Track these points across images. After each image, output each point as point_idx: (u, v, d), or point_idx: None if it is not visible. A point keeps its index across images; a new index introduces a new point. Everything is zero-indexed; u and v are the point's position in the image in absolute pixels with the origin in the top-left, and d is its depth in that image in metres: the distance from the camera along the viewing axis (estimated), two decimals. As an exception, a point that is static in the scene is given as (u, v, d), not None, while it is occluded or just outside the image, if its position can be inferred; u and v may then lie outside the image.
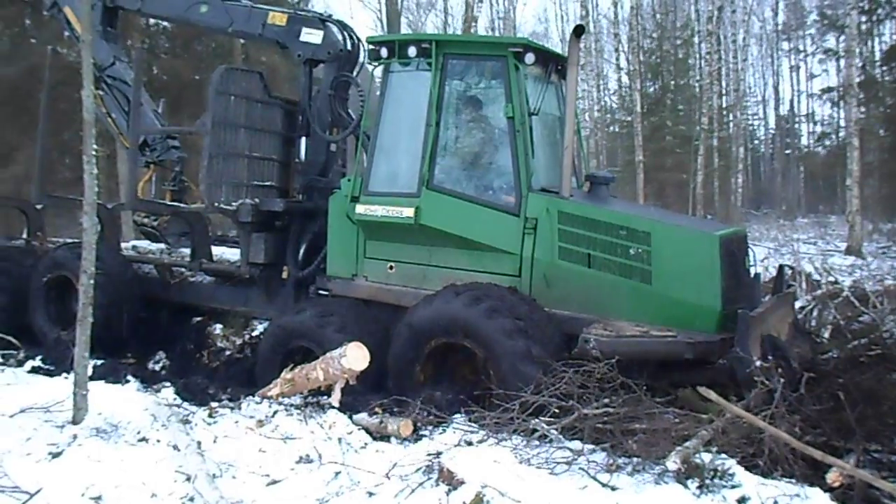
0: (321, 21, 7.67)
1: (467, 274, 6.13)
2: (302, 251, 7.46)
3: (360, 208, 6.51)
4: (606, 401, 4.85)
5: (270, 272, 7.54)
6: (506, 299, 5.63)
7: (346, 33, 7.67)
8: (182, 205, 8.41)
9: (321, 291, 7.28)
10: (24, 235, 9.62)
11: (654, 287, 5.58)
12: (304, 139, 7.88)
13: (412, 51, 6.32)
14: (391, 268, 6.59)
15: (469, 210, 6.18)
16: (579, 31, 6.08)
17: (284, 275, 7.49)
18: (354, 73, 7.65)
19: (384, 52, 6.48)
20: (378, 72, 6.70)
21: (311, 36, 7.56)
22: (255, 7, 8.11)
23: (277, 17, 7.78)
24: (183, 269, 8.35)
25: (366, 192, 6.54)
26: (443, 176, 6.35)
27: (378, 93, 6.68)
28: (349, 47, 7.61)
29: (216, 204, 7.32)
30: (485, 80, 6.70)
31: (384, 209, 6.37)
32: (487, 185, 6.44)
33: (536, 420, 4.85)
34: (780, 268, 6.99)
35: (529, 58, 6.11)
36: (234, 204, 7.36)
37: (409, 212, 6.22)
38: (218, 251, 8.29)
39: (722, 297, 5.46)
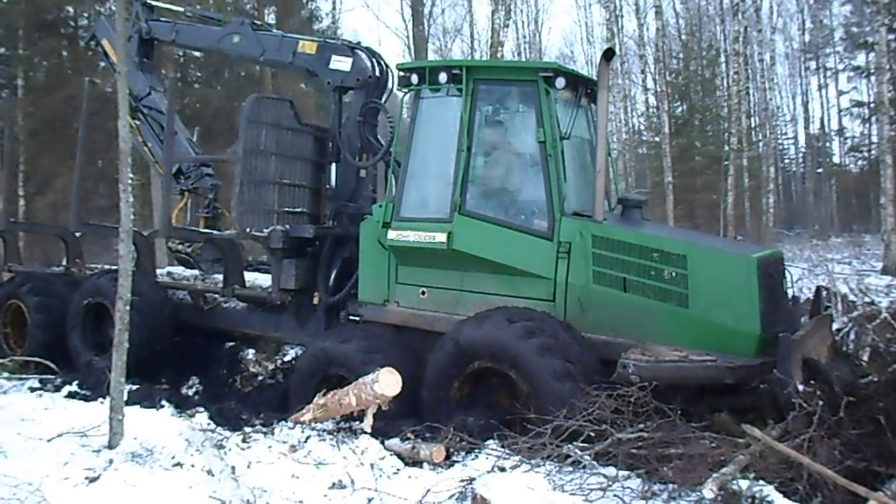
0: (350, 49, 7.75)
1: (500, 299, 6.09)
2: (333, 277, 7.47)
3: (391, 234, 6.51)
4: (642, 426, 4.79)
5: (301, 298, 7.57)
6: (559, 337, 5.51)
7: (374, 60, 7.74)
8: (215, 232, 8.49)
9: (352, 317, 7.26)
10: (64, 262, 9.77)
11: (691, 311, 5.52)
12: (334, 165, 7.94)
13: (443, 77, 6.35)
14: (423, 293, 6.58)
15: (501, 235, 6.17)
16: (609, 54, 6.08)
17: (315, 300, 7.50)
18: (384, 99, 7.71)
19: (415, 78, 6.52)
20: (407, 98, 6.76)
21: (341, 63, 7.65)
22: (285, 36, 8.24)
23: (307, 46, 7.89)
24: (216, 296, 8.44)
25: (397, 218, 6.54)
26: (475, 201, 6.33)
27: (408, 119, 6.73)
28: (377, 74, 7.68)
29: (248, 230, 7.37)
30: (516, 105, 6.73)
31: (416, 234, 6.38)
32: (520, 209, 6.43)
33: (569, 446, 4.80)
34: (818, 289, 6.87)
35: (560, 82, 6.12)
36: (265, 230, 7.39)
37: (441, 237, 6.21)
38: (251, 277, 8.38)
39: (761, 321, 5.40)
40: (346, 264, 7.46)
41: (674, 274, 5.59)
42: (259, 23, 9.06)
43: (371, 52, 7.85)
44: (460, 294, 6.39)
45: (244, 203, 7.35)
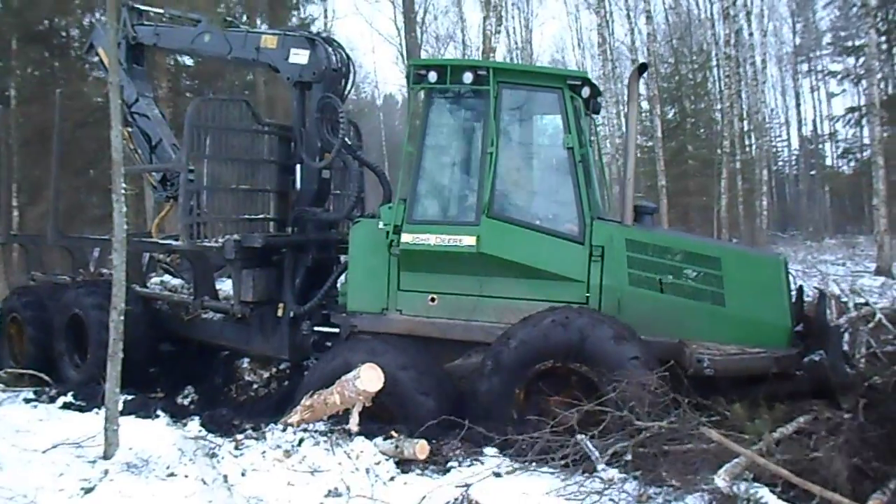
0: (309, 40, 7.38)
1: (527, 303, 5.98)
2: (297, 286, 7.17)
3: (406, 237, 6.18)
4: (662, 423, 4.80)
5: (264, 310, 7.26)
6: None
7: (336, 52, 7.36)
8: (173, 242, 7.93)
9: (317, 328, 7.03)
10: (83, 271, 9.62)
11: (727, 308, 5.81)
12: (299, 167, 7.56)
13: (468, 77, 6.12)
14: (433, 300, 6.33)
15: (532, 238, 6.10)
16: (643, 68, 6.37)
17: (279, 312, 7.18)
18: (346, 93, 7.40)
19: (433, 76, 6.23)
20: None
21: (298, 57, 7.28)
22: (249, 32, 7.94)
23: (269, 40, 7.56)
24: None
25: (410, 220, 6.24)
26: (502, 204, 6.21)
27: (416, 117, 6.48)
28: (334, 66, 7.27)
29: (199, 242, 7.05)
30: (541, 110, 6.72)
31: (437, 238, 6.10)
32: (549, 213, 6.41)
33: (581, 437, 4.83)
34: (800, 288, 6.97)
35: (586, 91, 6.20)
36: (219, 241, 7.03)
37: (469, 240, 6.00)
38: (227, 286, 8.06)
39: (790, 315, 5.84)
40: (309, 273, 7.20)
41: (709, 275, 5.87)
42: (229, 19, 8.74)
43: (331, 43, 7.45)
44: (479, 299, 6.22)
45: (191, 213, 7.02)
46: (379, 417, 5.58)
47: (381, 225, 6.36)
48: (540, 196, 6.54)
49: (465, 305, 6.25)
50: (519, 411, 5.55)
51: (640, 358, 5.34)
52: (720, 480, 4.01)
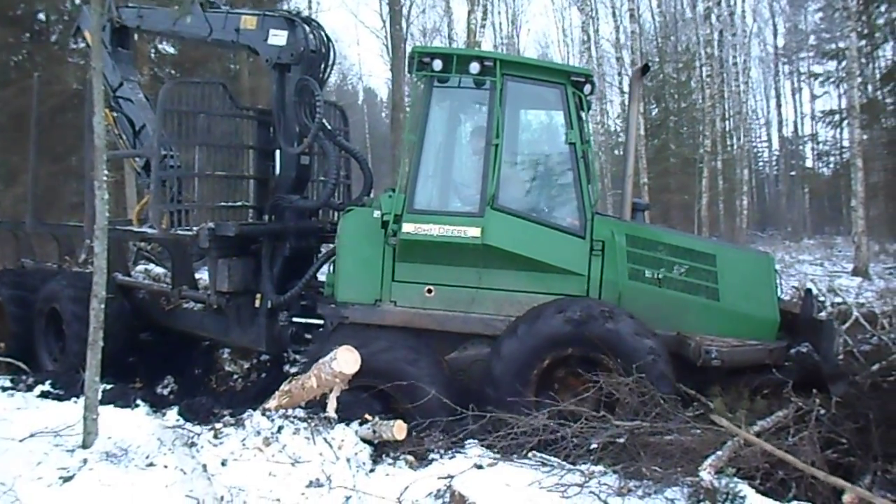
0: (288, 21, 7.13)
1: (526, 295, 6.03)
2: (275, 276, 7.04)
3: (408, 227, 6.02)
4: (640, 422, 4.88)
5: (241, 301, 7.11)
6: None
7: (315, 33, 7.15)
8: (148, 230, 7.57)
9: (296, 319, 6.92)
10: (68, 259, 9.44)
11: (721, 303, 6.03)
12: (278, 152, 7.37)
13: (475, 67, 6.05)
14: (430, 291, 6.24)
15: (534, 231, 6.11)
16: (645, 69, 6.57)
17: (256, 303, 7.05)
18: (325, 76, 7.25)
19: (438, 64, 6.09)
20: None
21: (277, 38, 7.06)
22: (230, 13, 7.66)
23: (249, 21, 7.32)
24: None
25: (411, 210, 6.08)
26: (505, 196, 6.16)
27: (417, 105, 6.37)
28: (313, 48, 7.06)
29: (171, 230, 6.90)
30: (544, 105, 6.74)
31: (440, 228, 5.99)
32: (550, 207, 6.46)
33: (565, 429, 4.90)
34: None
35: (588, 88, 6.23)
36: (194, 229, 6.84)
37: (474, 231, 5.94)
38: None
39: (778, 309, 6.07)
40: (287, 262, 7.08)
41: (705, 270, 6.07)
42: (212, 0, 8.33)
43: (310, 23, 7.23)
44: (477, 291, 6.18)
45: (163, 200, 6.86)
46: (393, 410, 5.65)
47: (377, 213, 6.21)
48: (542, 190, 6.58)
49: (462, 297, 6.20)
50: (550, 366, 5.69)
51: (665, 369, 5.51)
52: (705, 473, 4.06)
